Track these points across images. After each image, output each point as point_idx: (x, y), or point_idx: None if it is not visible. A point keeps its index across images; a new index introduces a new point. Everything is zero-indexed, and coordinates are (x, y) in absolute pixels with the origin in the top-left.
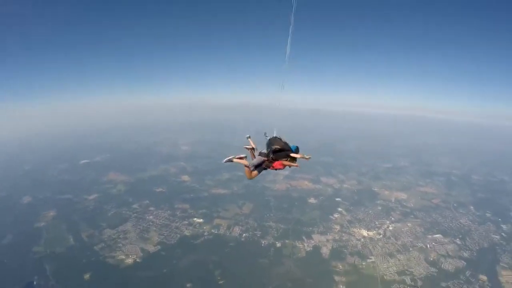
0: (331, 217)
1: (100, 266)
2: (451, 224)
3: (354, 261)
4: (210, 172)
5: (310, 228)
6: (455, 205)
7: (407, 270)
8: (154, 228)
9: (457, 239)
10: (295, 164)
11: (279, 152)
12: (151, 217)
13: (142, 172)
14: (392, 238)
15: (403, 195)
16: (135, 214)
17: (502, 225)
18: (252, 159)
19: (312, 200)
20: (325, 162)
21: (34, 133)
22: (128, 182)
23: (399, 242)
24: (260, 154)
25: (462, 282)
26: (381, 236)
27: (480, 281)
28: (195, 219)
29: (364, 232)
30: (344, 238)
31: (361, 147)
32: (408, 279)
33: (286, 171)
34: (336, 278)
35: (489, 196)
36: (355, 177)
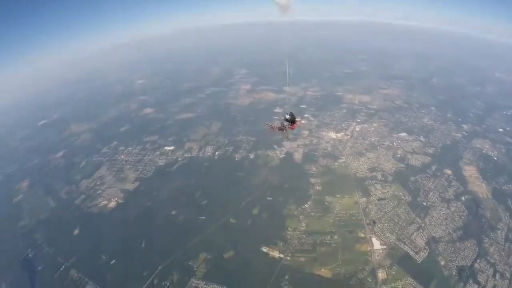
0: (299, 123)
1: (86, 218)
2: (414, 123)
3: (326, 163)
4: (171, 100)
5: (280, 137)
6: (417, 105)
7: (377, 166)
8: (128, 166)
9: (421, 136)
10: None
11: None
12: (122, 156)
13: (102, 115)
14: (359, 138)
15: (366, 98)
16: (106, 158)
17: (463, 125)
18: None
19: (277, 110)
20: (286, 72)
21: None
22: (91, 130)
23: (367, 142)
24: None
25: (429, 175)
26: (349, 137)
27: (445, 175)
28: (166, 147)
29: (332, 135)
30: (314, 142)
31: (321, 55)
32: (379, 175)
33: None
34: (312, 180)
35: (449, 98)
36: (318, 84)
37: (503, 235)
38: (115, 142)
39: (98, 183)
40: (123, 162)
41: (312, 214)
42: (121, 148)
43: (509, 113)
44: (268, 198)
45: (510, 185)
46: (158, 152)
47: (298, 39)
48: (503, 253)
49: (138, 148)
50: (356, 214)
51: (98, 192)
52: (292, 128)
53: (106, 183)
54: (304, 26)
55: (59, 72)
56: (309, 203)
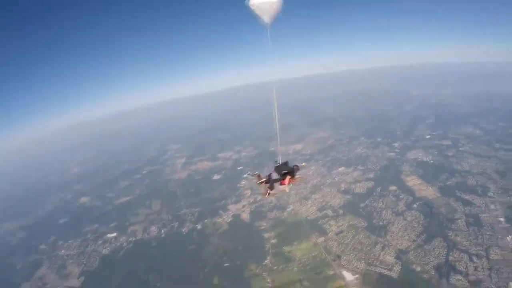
0: (239, 185)
1: None
2: (349, 156)
3: (276, 215)
4: (107, 185)
5: (223, 201)
6: (347, 140)
7: (325, 205)
8: (71, 261)
9: (359, 166)
10: (299, 178)
11: (286, 174)
12: (63, 251)
13: (38, 210)
14: (301, 184)
15: (299, 146)
16: (45, 256)
17: (393, 144)
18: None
19: (216, 177)
20: (218, 139)
21: None
22: (26, 226)
23: (309, 185)
24: (272, 175)
25: (377, 197)
26: (291, 185)
27: (392, 192)
28: (108, 235)
29: None
30: (258, 199)
31: (251, 118)
32: (329, 212)
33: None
34: (265, 235)
35: (374, 125)
36: (251, 144)
37: (464, 222)
38: (53, 237)
39: (40, 284)
40: (65, 257)
41: (275, 268)
42: (61, 242)
43: (430, 121)
44: (226, 265)
45: (453, 179)
46: (100, 241)
47: (228, 107)
48: (470, 237)
49: (79, 240)
50: (319, 255)
51: None
52: (283, 184)
53: (49, 283)
54: (234, 92)
55: None
56: (268, 258)
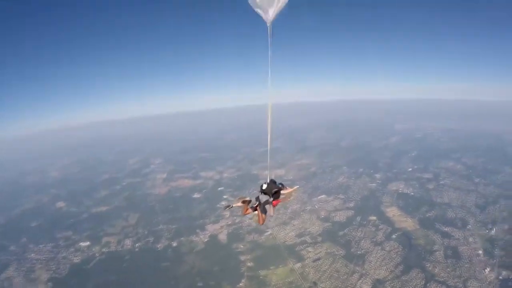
0: (219, 205)
1: None
2: (331, 185)
3: (253, 238)
4: (86, 193)
5: (202, 221)
6: (330, 168)
7: (304, 231)
8: (40, 265)
9: (340, 194)
10: (290, 197)
11: (278, 192)
12: (32, 255)
13: (11, 209)
14: (281, 209)
15: (281, 172)
16: (14, 257)
17: (375, 175)
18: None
19: (196, 195)
20: (202, 158)
21: None
22: None
23: (289, 211)
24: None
25: (356, 226)
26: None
27: (371, 222)
28: (81, 243)
29: (253, 210)
30: (237, 221)
31: (236, 139)
32: (308, 238)
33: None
34: (242, 257)
35: (358, 155)
36: (234, 166)
37: (442, 254)
38: (24, 239)
39: (5, 285)
40: (34, 261)
41: None
42: (31, 245)
43: (413, 154)
44: (199, 284)
45: (433, 211)
46: (72, 249)
47: (214, 126)
48: (448, 269)
49: (50, 245)
50: (295, 281)
51: None
52: (275, 205)
53: (14, 285)
54: (227, 113)
55: None
56: (243, 281)
